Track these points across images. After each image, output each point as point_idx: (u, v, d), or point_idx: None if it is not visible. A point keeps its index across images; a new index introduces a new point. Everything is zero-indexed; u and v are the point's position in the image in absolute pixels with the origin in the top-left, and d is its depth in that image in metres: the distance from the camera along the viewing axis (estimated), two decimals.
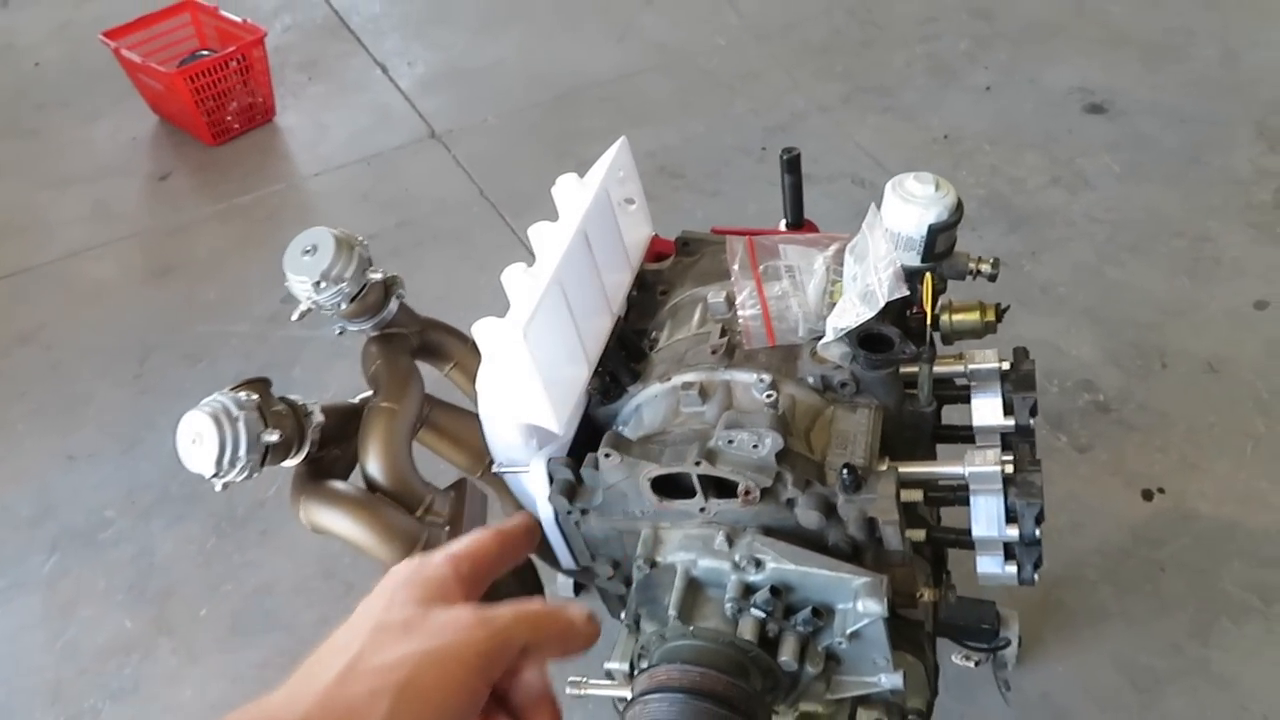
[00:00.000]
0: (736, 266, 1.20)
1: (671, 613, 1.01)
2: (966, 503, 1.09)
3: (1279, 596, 1.99)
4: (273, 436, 1.13)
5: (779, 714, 1.08)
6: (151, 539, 2.29)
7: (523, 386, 1.03)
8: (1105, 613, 1.99)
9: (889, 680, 1.04)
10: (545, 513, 1.13)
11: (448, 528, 1.17)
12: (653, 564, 1.05)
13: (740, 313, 1.15)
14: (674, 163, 3.17)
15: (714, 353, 1.13)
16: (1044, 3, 3.77)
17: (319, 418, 1.21)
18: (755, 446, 1.01)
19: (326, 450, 1.25)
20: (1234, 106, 3.19)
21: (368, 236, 1.42)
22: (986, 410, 1.15)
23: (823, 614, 1.00)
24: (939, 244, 1.17)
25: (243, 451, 1.11)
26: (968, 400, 1.18)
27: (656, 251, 1.37)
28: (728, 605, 1.01)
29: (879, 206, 1.20)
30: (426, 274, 2.82)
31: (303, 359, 2.65)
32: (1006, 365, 1.16)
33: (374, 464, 1.20)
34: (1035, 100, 3.32)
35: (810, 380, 1.12)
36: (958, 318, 1.22)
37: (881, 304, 1.05)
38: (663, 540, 1.06)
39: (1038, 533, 1.06)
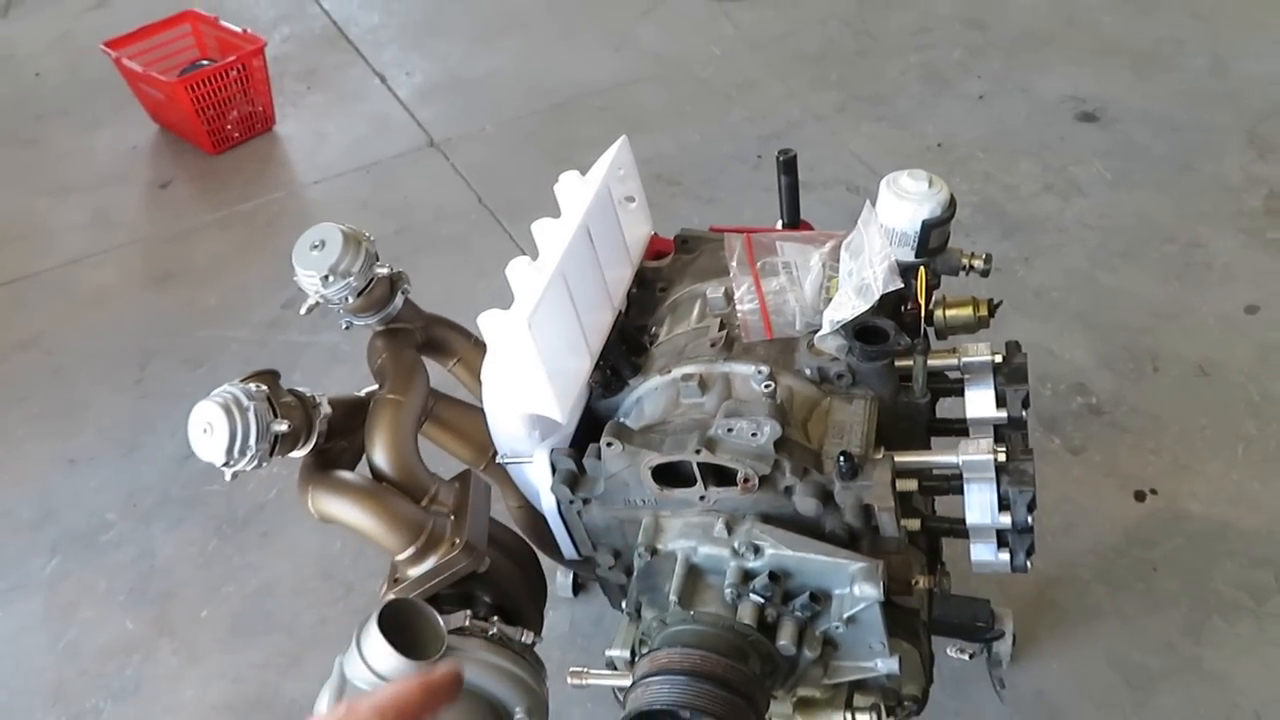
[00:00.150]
0: (735, 263, 1.23)
1: (672, 598, 1.03)
2: (960, 492, 1.11)
3: (1270, 595, 2.01)
4: (282, 426, 1.15)
5: (777, 699, 1.10)
6: (152, 541, 2.30)
7: (527, 376, 1.05)
8: (1099, 612, 2.01)
9: (885, 665, 1.06)
10: (548, 502, 1.15)
11: (452, 517, 1.19)
12: (654, 551, 1.07)
13: (739, 307, 1.18)
14: (671, 170, 3.20)
15: (713, 345, 1.16)
16: (1036, 13, 3.81)
17: (326, 409, 1.23)
18: (754, 435, 1.03)
19: (334, 442, 1.27)
20: (1224, 115, 3.23)
21: None
22: (980, 402, 1.17)
23: (820, 599, 1.03)
24: (932, 239, 1.20)
25: (253, 441, 1.13)
26: (961, 393, 1.20)
27: (656, 250, 1.39)
28: (727, 591, 1.02)
29: (874, 204, 1.22)
30: (425, 280, 2.81)
31: (302, 364, 2.67)
32: (999, 358, 1.19)
33: (380, 454, 1.22)
34: (1028, 109, 3.36)
35: (807, 372, 1.14)
36: (951, 313, 1.25)
37: (877, 296, 1.08)
38: (663, 528, 1.09)
39: (1030, 520, 1.08)
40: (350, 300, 1.29)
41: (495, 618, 1.13)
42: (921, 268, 1.16)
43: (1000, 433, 1.19)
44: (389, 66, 3.88)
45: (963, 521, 1.13)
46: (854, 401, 1.12)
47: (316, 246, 1.27)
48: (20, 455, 2.52)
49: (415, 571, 1.16)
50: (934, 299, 1.26)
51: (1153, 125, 3.23)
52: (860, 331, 1.10)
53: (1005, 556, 1.13)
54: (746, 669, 0.99)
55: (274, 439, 1.16)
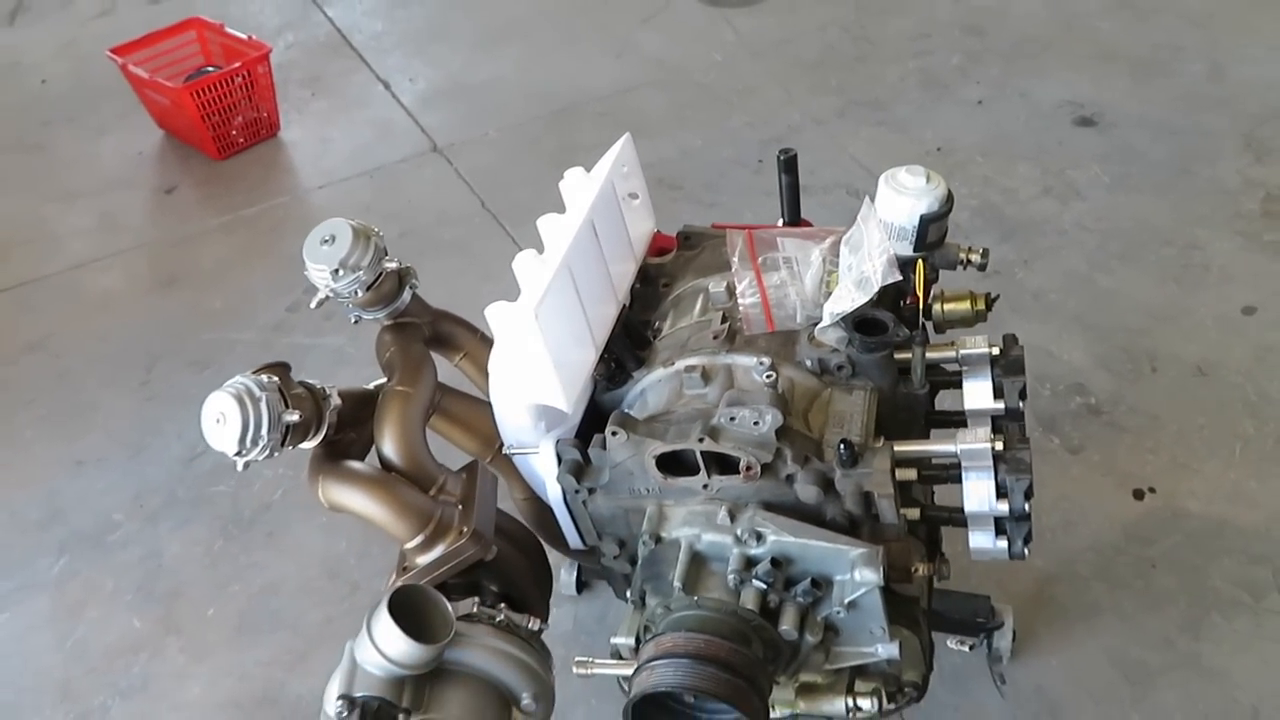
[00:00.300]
0: (736, 258, 1.25)
1: (676, 584, 1.05)
2: (958, 480, 1.13)
3: (1267, 592, 2.03)
4: (293, 416, 1.17)
5: (780, 685, 1.11)
6: (159, 541, 2.32)
7: (533, 366, 1.07)
8: (1098, 608, 2.03)
9: (885, 650, 1.08)
10: (554, 492, 1.17)
11: (460, 506, 1.21)
12: (658, 539, 1.09)
13: (741, 301, 1.20)
14: (672, 175, 3.23)
15: (716, 338, 1.18)
16: (1034, 20, 3.85)
17: (336, 401, 1.25)
18: (756, 423, 1.05)
19: (343, 433, 1.29)
20: (1221, 119, 3.26)
21: None
22: (977, 393, 1.19)
23: (821, 585, 1.05)
24: (930, 233, 1.22)
25: (265, 431, 1.15)
26: (959, 385, 1.22)
27: (659, 246, 1.42)
28: (730, 577, 1.04)
29: (873, 200, 1.24)
30: (429, 283, 2.82)
31: (306, 366, 2.69)
32: (996, 351, 1.21)
33: (389, 445, 1.24)
34: (1026, 114, 3.39)
35: (808, 363, 1.16)
36: (949, 307, 1.27)
37: (876, 289, 1.10)
38: (667, 516, 1.11)
39: (1027, 507, 1.10)
40: (359, 294, 1.32)
41: (502, 605, 1.15)
42: (920, 262, 1.19)
43: (998, 424, 1.21)
44: (392, 73, 3.91)
45: (961, 510, 1.15)
46: (854, 392, 1.14)
47: (327, 241, 1.30)
48: (28, 456, 2.54)
49: (424, 559, 1.18)
50: (932, 293, 1.28)
51: (1150, 130, 3.25)
52: (860, 323, 1.13)
53: (1003, 544, 1.15)
54: (750, 653, 1.01)
55: (285, 429, 1.18)
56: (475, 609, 1.14)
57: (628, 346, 1.21)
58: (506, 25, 4.13)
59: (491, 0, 4.32)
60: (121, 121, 3.71)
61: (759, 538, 1.04)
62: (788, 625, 1.04)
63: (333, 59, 4.03)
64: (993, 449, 1.09)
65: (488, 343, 1.44)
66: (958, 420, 1.27)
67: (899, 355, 1.18)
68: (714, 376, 1.15)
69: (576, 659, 1.23)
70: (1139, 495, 2.22)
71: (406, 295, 1.39)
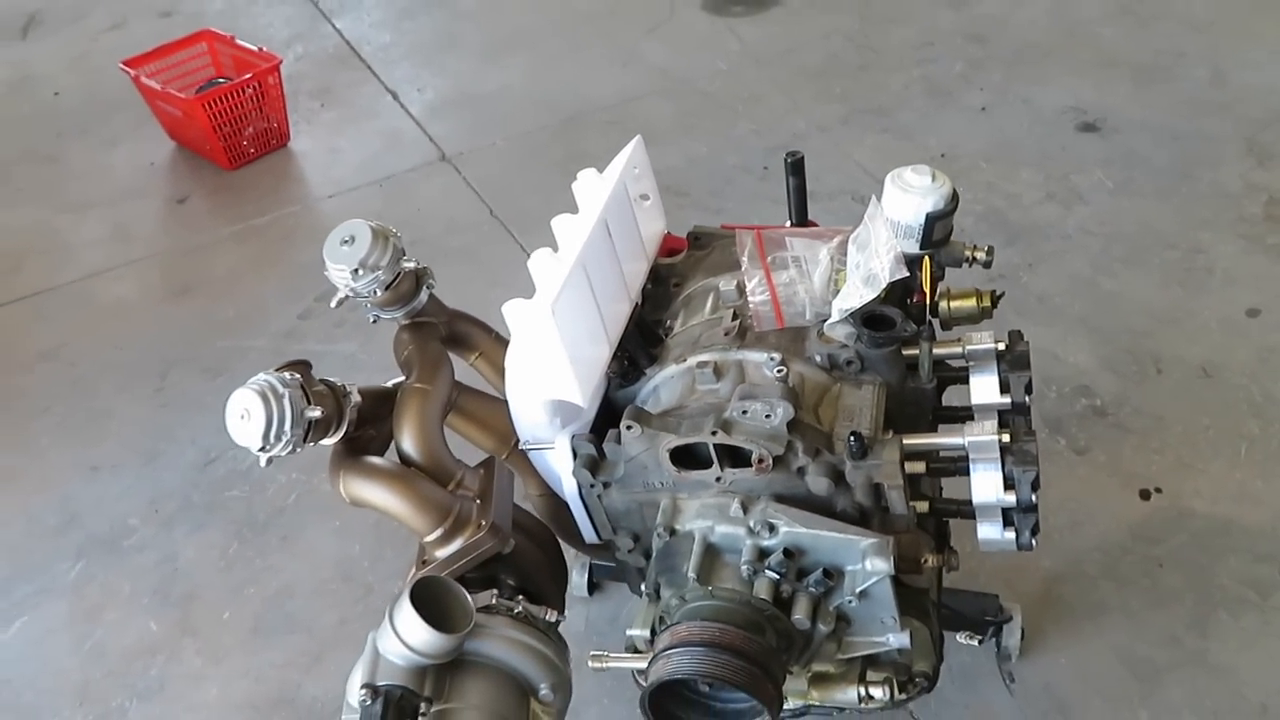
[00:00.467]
0: (746, 257, 1.28)
1: (691, 576, 1.07)
2: (966, 473, 1.15)
3: (1274, 590, 2.04)
4: (315, 413, 1.20)
5: (793, 674, 1.13)
6: (174, 545, 2.34)
7: (549, 362, 1.10)
8: (1105, 607, 2.05)
9: (896, 640, 1.10)
10: (569, 487, 1.19)
11: (478, 501, 1.23)
12: (672, 532, 1.12)
13: (751, 299, 1.22)
14: (678, 182, 3.26)
15: (727, 335, 1.20)
16: (1036, 27, 3.88)
17: (356, 398, 1.28)
18: (768, 416, 1.08)
19: (363, 430, 1.31)
20: (1223, 124, 3.29)
21: None
22: (984, 388, 1.21)
23: (833, 575, 1.07)
24: (936, 231, 1.25)
25: (288, 426, 1.18)
26: (965, 380, 1.25)
27: (669, 248, 1.44)
28: (744, 568, 1.07)
29: (879, 199, 1.27)
30: (439, 290, 2.84)
31: (319, 372, 2.71)
32: (1002, 346, 1.23)
33: (408, 441, 1.27)
34: (1029, 120, 3.42)
35: (818, 359, 1.19)
36: (955, 304, 1.29)
37: (884, 285, 1.12)
38: (681, 509, 1.13)
39: (1034, 498, 1.12)
40: (378, 294, 1.34)
41: (520, 597, 1.18)
42: (926, 259, 1.21)
43: (1004, 418, 1.23)
44: (401, 83, 3.95)
45: (969, 502, 1.17)
46: (863, 387, 1.17)
47: (346, 241, 1.32)
48: (44, 463, 2.57)
49: (443, 552, 1.20)
50: (938, 291, 1.30)
51: (1153, 135, 3.28)
52: (868, 319, 1.15)
53: (1011, 535, 1.17)
54: (764, 641, 1.03)
55: (308, 425, 1.20)
56: (494, 601, 1.16)
57: (640, 344, 1.23)
58: (513, 36, 4.17)
59: (498, 11, 4.37)
60: (133, 133, 3.75)
61: (771, 529, 1.07)
62: (800, 615, 1.06)
63: (341, 70, 4.07)
64: (1000, 441, 1.11)
65: (503, 342, 1.47)
66: (964, 416, 1.29)
67: (906, 351, 1.21)
68: (726, 372, 1.18)
69: (592, 653, 1.25)
70: (1145, 495, 2.24)
71: (424, 295, 1.42)
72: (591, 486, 1.18)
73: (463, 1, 4.47)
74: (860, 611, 1.08)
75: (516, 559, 1.24)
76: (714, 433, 1.09)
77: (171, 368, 2.81)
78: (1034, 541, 1.17)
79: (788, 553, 1.06)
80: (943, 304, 1.30)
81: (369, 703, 1.02)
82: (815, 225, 1.64)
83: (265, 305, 2.98)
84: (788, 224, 1.66)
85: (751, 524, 1.08)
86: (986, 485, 1.13)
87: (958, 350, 1.23)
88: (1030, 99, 3.50)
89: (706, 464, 1.12)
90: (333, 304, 1.36)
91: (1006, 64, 3.69)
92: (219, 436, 2.51)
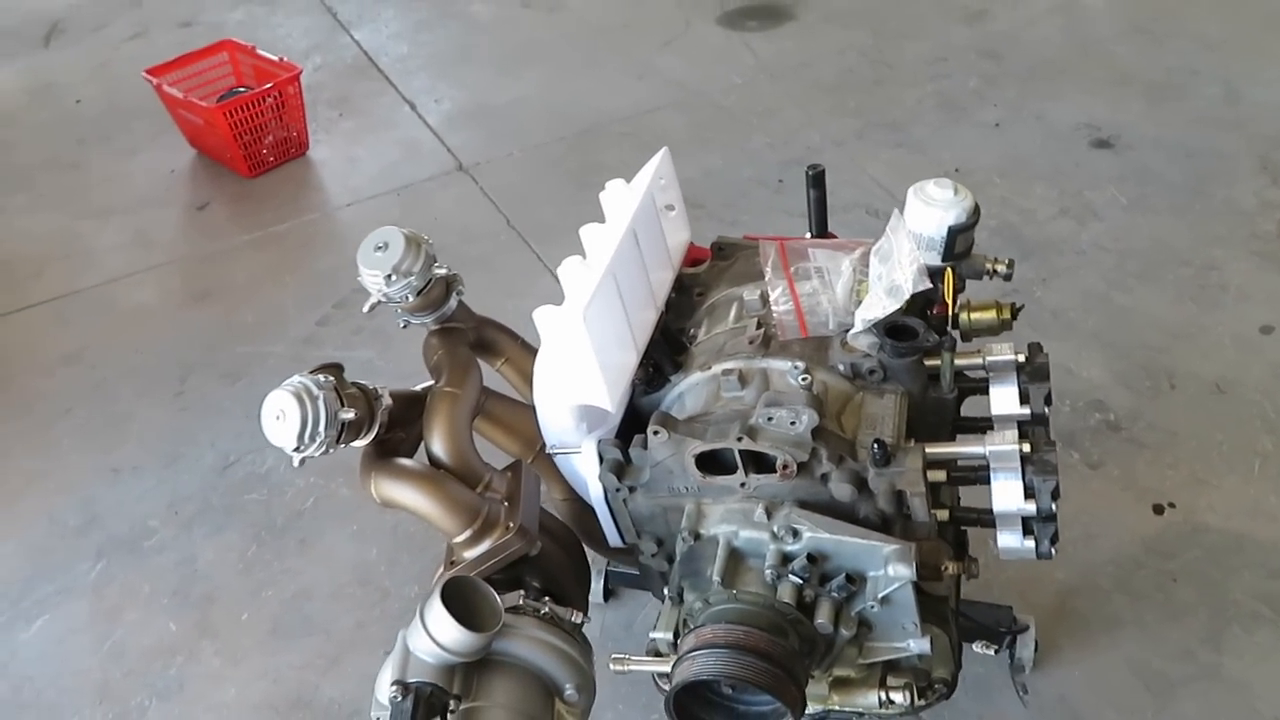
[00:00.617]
0: (769, 268, 1.30)
1: (715, 579, 1.09)
2: (987, 482, 1.17)
3: None
4: (349, 414, 1.22)
5: (814, 679, 1.15)
6: (194, 547, 2.37)
7: (579, 368, 1.12)
8: (1119, 620, 2.05)
9: (917, 645, 1.11)
10: (595, 491, 1.21)
11: (506, 503, 1.25)
12: (697, 536, 1.13)
13: (775, 308, 1.25)
14: (694, 194, 3.27)
15: (751, 343, 1.22)
16: (1050, 43, 3.90)
17: (387, 401, 1.31)
18: (793, 423, 1.10)
19: (393, 432, 1.34)
20: (1237, 142, 3.30)
21: None
22: (1004, 399, 1.23)
23: (855, 580, 1.08)
24: (958, 244, 1.27)
25: (322, 428, 1.20)
26: (985, 391, 1.26)
27: (693, 258, 1.47)
28: (767, 572, 1.08)
29: (902, 212, 1.29)
30: None
31: None
32: (1022, 358, 1.25)
33: (438, 443, 1.29)
34: (1043, 136, 3.44)
35: (841, 368, 1.21)
36: (975, 315, 1.31)
37: (907, 296, 1.14)
38: (705, 514, 1.15)
39: (1054, 507, 1.14)
40: (410, 299, 1.37)
41: (546, 598, 1.20)
42: (948, 271, 1.23)
43: (1023, 429, 1.24)
44: (418, 94, 3.99)
45: (989, 511, 1.19)
46: (885, 396, 1.19)
47: (380, 248, 1.35)
48: (66, 465, 2.60)
49: (471, 554, 1.22)
50: (959, 302, 1.32)
51: (1166, 151, 3.30)
52: (891, 329, 1.17)
53: (1030, 543, 1.19)
54: (788, 644, 1.05)
55: (341, 427, 1.23)
56: (521, 602, 1.18)
57: (666, 351, 1.25)
58: (529, 48, 4.22)
59: (514, 24, 4.41)
60: (154, 141, 3.80)
61: (795, 534, 1.08)
62: (823, 619, 1.08)
63: (360, 80, 4.12)
64: (1020, 451, 1.13)
65: (528, 349, 1.50)
66: (983, 426, 1.31)
67: (928, 361, 1.23)
68: (750, 380, 1.20)
69: (614, 655, 1.26)
70: (1159, 510, 2.25)
71: (453, 301, 1.44)
72: (617, 491, 1.20)
73: (479, 14, 4.51)
74: (882, 617, 1.10)
75: (542, 561, 1.26)
76: (739, 439, 1.11)
77: (191, 372, 2.84)
78: (1053, 550, 1.19)
79: (811, 558, 1.08)
80: (963, 315, 1.31)
81: (399, 699, 1.04)
82: (835, 237, 1.67)
83: (284, 311, 3.01)
84: (808, 235, 1.68)
85: (775, 529, 1.09)
86: (1007, 494, 1.14)
87: (978, 361, 1.25)
88: (1044, 115, 3.53)
89: (731, 470, 1.14)
90: (365, 309, 1.39)
91: (1020, 80, 3.71)
92: (238, 440, 2.60)
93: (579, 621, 1.20)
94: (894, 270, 1.18)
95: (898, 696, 1.14)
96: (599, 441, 1.20)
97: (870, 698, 1.15)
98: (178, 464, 2.58)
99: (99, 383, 2.84)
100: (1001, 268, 1.33)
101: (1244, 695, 1.92)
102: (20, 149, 3.90)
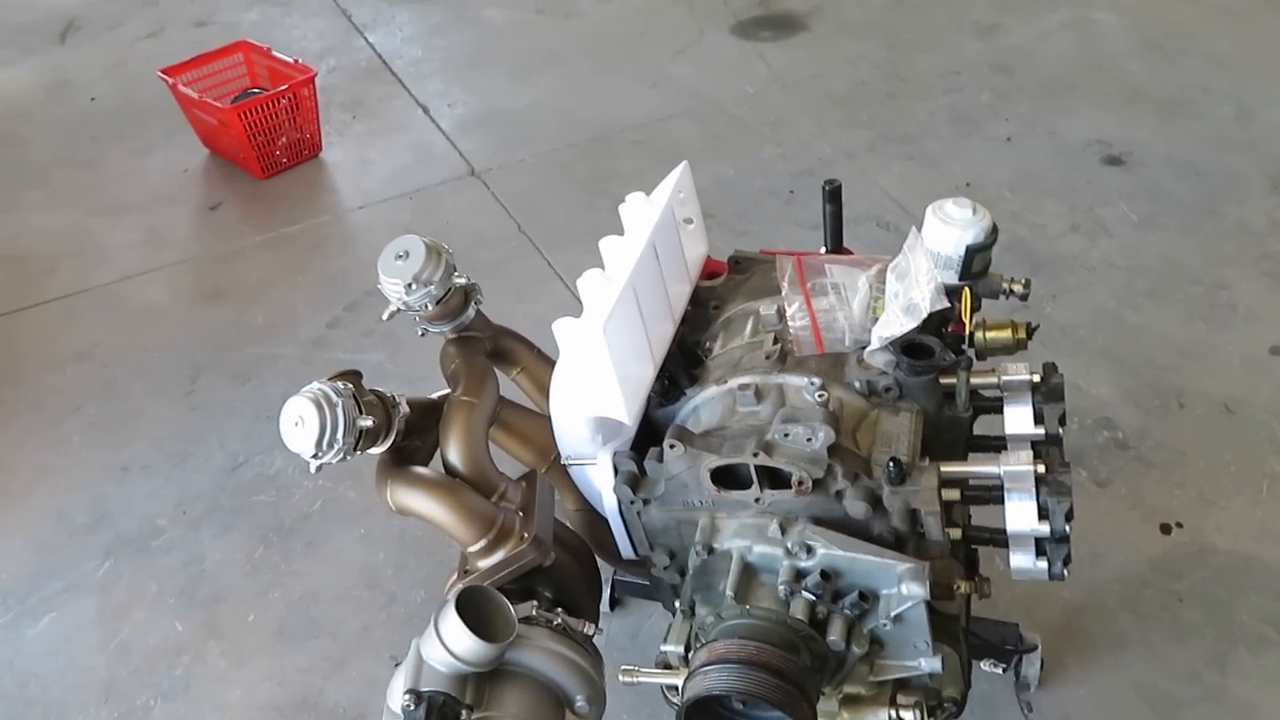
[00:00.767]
0: (786, 283, 1.30)
1: (729, 594, 1.09)
2: (1000, 502, 1.17)
3: None
4: (367, 422, 1.23)
5: (825, 695, 1.15)
6: (201, 547, 2.38)
7: (597, 380, 1.13)
8: (1125, 640, 2.05)
9: (928, 664, 1.11)
10: (609, 503, 1.22)
11: (521, 513, 1.26)
12: (710, 550, 1.14)
13: (791, 324, 1.25)
14: (704, 203, 3.19)
15: (768, 358, 1.23)
16: (1062, 59, 3.91)
17: (405, 409, 1.31)
18: (809, 440, 1.10)
19: (409, 440, 1.34)
20: (1248, 161, 3.31)
21: None
22: (1018, 419, 1.23)
23: (868, 598, 1.09)
24: (975, 263, 1.27)
25: (340, 435, 1.20)
26: (999, 410, 1.27)
27: (709, 271, 1.47)
28: (780, 588, 1.09)
29: (919, 230, 1.30)
30: None
31: None
32: (1037, 378, 1.25)
33: (454, 452, 1.30)
34: (1054, 151, 3.44)
35: (856, 385, 1.21)
36: (991, 334, 1.32)
37: (924, 315, 1.15)
38: (719, 528, 1.15)
39: (1068, 528, 1.14)
40: (429, 308, 1.38)
41: (559, 609, 1.20)
42: (966, 290, 1.24)
43: (1037, 449, 1.25)
44: (432, 98, 4.01)
45: (1002, 531, 1.19)
46: (900, 413, 1.19)
47: (401, 256, 1.36)
48: (76, 462, 2.61)
49: (485, 563, 1.23)
50: (974, 321, 1.33)
51: (1178, 169, 3.30)
52: (907, 347, 1.17)
53: (1043, 564, 1.19)
54: (800, 660, 1.05)
55: (359, 434, 1.23)
56: (534, 612, 1.18)
57: (682, 364, 1.26)
58: (543, 55, 4.23)
59: (528, 30, 4.43)
60: (168, 140, 3.82)
61: (809, 550, 1.09)
62: (835, 636, 1.08)
63: (374, 83, 4.13)
64: (1035, 472, 1.13)
65: (545, 359, 1.50)
66: (996, 444, 1.31)
67: (943, 379, 1.23)
68: (766, 395, 1.20)
69: (623, 667, 1.27)
70: (1166, 530, 2.25)
71: (471, 310, 1.45)
72: (631, 503, 1.20)
73: (493, 19, 4.53)
74: (894, 635, 1.10)
75: (555, 572, 1.27)
76: (756, 454, 1.11)
77: (202, 371, 2.85)
78: (1066, 572, 1.19)
79: (824, 574, 1.08)
80: (979, 334, 1.32)
81: (412, 708, 1.05)
82: (850, 252, 1.67)
83: (295, 313, 3.02)
84: (822, 250, 1.69)
85: (789, 545, 1.10)
86: (1021, 515, 1.15)
87: (993, 380, 1.26)
88: (1056, 131, 3.53)
89: (746, 484, 1.15)
90: (384, 316, 1.40)
91: (1032, 95, 3.72)
92: (247, 441, 2.60)
93: (590, 633, 1.20)
94: (911, 288, 1.18)
95: (908, 715, 1.14)
96: (614, 453, 1.21)
97: (880, 715, 1.15)
98: (187, 463, 2.58)
99: (110, 380, 2.85)
100: (1018, 287, 1.34)
101: (1249, 718, 1.92)
102: (35, 145, 3.91)
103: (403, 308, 1.38)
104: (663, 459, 1.17)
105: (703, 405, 1.26)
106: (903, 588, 1.06)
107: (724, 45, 4.20)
